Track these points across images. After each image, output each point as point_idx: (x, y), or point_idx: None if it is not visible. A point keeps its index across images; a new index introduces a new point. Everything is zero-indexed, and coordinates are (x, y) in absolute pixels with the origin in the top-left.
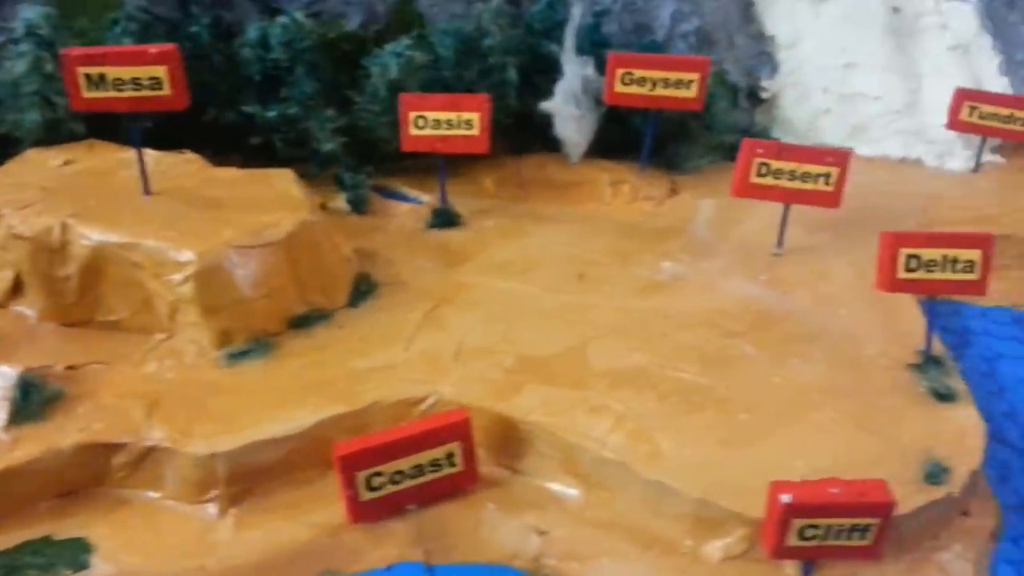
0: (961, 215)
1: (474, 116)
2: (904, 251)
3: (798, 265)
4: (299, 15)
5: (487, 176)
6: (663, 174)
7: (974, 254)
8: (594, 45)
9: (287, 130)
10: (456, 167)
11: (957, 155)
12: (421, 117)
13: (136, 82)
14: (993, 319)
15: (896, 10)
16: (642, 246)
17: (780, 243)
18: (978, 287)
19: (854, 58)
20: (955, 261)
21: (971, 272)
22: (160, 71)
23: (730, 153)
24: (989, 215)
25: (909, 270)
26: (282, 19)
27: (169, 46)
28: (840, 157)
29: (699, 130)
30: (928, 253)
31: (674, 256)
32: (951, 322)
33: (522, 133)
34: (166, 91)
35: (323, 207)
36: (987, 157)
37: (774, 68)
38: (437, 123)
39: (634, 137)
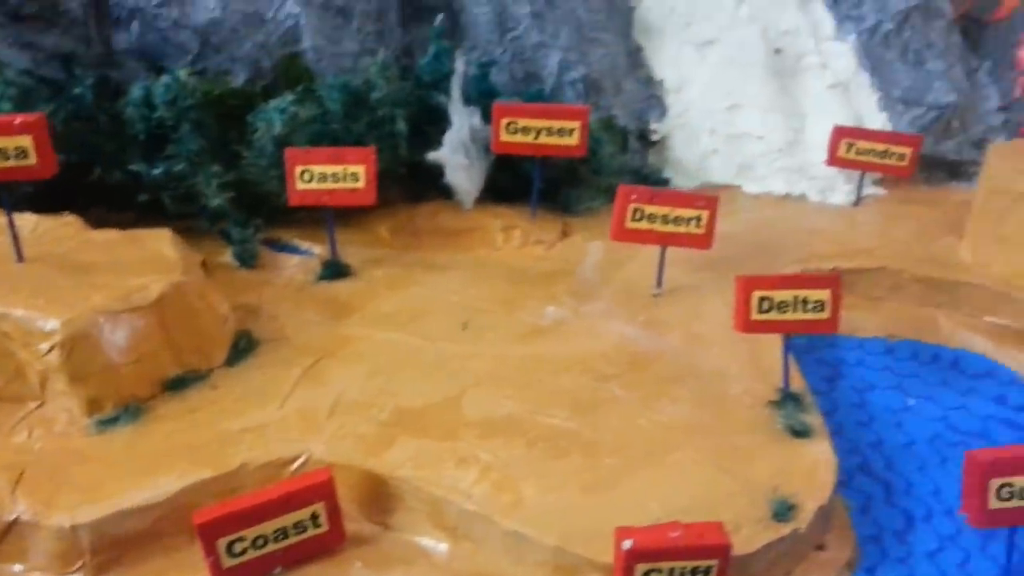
0: (839, 249)
1: (359, 169)
2: (757, 293)
3: (675, 305)
4: (183, 73)
5: (381, 224)
6: (556, 217)
7: (823, 294)
8: (482, 95)
9: (175, 187)
10: (350, 217)
11: (839, 190)
12: (307, 171)
13: (2, 152)
14: (868, 350)
15: (778, 51)
16: (529, 291)
17: (659, 283)
18: (829, 325)
19: (739, 100)
20: (806, 301)
21: (822, 311)
22: (26, 141)
23: None
24: (865, 248)
25: (762, 311)
26: (165, 78)
27: (34, 116)
28: (710, 201)
29: (587, 174)
30: (779, 295)
31: (559, 300)
32: (827, 354)
33: (415, 181)
34: (32, 160)
35: (204, 264)
36: (869, 189)
37: (663, 111)
38: (323, 177)
39: (525, 182)
